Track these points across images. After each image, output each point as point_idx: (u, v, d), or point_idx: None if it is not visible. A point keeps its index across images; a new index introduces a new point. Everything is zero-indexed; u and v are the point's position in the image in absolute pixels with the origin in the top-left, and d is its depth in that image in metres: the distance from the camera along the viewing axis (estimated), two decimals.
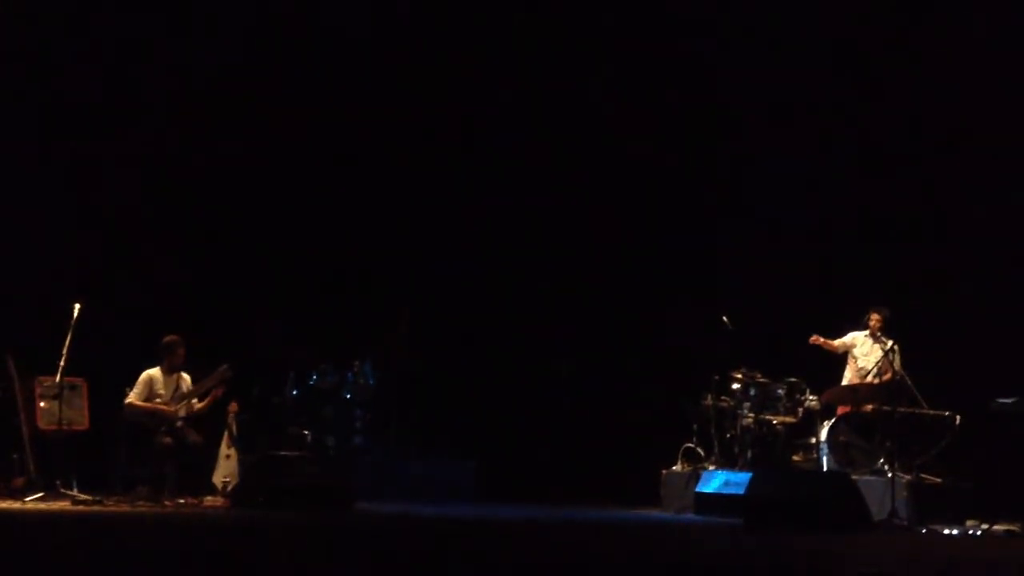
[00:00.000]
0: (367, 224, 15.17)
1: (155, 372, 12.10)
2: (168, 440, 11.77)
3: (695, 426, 13.17)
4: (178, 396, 12.06)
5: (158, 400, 12.03)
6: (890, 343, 12.35)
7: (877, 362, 12.41)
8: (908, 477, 11.69)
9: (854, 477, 11.33)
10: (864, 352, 12.68)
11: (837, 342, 12.86)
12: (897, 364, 12.24)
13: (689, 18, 14.93)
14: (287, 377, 13.71)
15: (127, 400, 11.98)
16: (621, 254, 15.37)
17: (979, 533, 10.84)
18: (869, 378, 12.48)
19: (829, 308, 13.29)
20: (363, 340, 14.37)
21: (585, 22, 15.21)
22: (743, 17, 14.72)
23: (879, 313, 12.60)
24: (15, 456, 11.77)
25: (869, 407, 12.33)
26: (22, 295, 13.11)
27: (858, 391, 12.47)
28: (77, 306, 11.91)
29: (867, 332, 12.70)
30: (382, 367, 14.19)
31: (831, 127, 14.39)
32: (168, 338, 12.17)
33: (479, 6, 15.22)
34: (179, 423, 11.93)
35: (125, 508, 11.36)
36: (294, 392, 13.73)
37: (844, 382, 12.78)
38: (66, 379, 12.01)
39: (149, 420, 11.90)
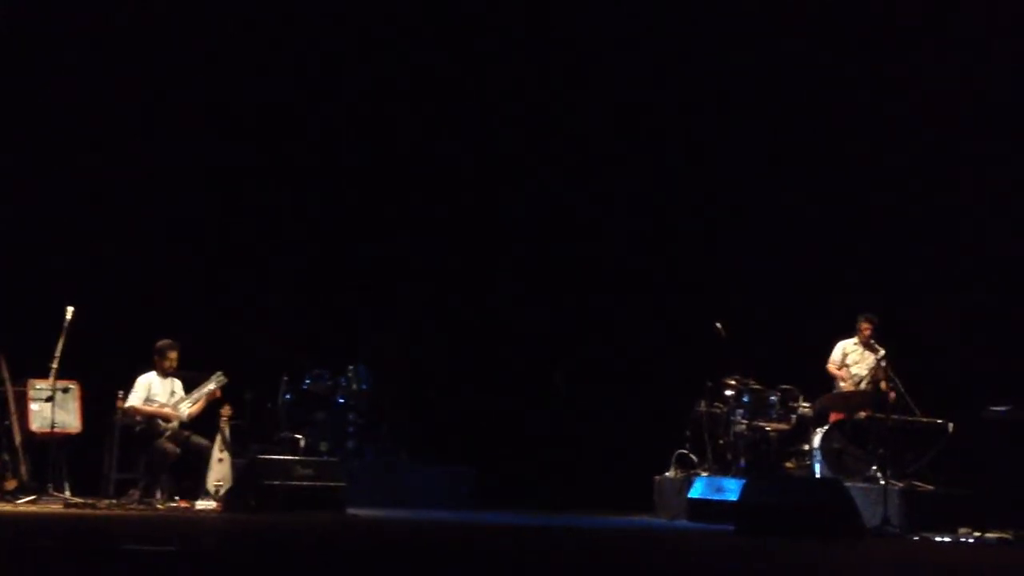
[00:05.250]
0: (363, 228, 15.17)
1: (151, 376, 12.09)
2: (171, 446, 11.76)
3: (688, 432, 13.17)
4: (175, 401, 12.05)
5: (156, 405, 12.02)
6: (881, 351, 12.36)
7: (871, 369, 12.43)
8: (901, 484, 11.70)
9: (847, 484, 11.32)
10: (856, 360, 12.70)
11: (837, 368, 12.78)
12: (888, 371, 12.26)
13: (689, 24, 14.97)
14: (280, 381, 13.69)
15: (128, 404, 11.95)
16: (616, 261, 15.38)
17: (971, 541, 10.84)
18: (863, 385, 12.49)
19: (822, 315, 13.31)
20: (357, 344, 14.36)
21: (588, 22, 15.25)
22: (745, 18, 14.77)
23: (869, 321, 12.62)
24: (7, 459, 11.72)
25: (862, 414, 12.33)
26: (15, 297, 13.09)
27: (851, 398, 12.48)
28: (70, 309, 11.89)
29: (856, 340, 12.72)
30: (377, 371, 14.18)
31: (830, 134, 14.42)
32: (161, 342, 12.15)
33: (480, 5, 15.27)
34: (185, 432, 11.92)
35: (117, 511, 11.34)
36: (287, 396, 13.71)
37: (837, 389, 12.77)
38: (59, 382, 11.98)
39: (152, 424, 11.88)
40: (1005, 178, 13.44)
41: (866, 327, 12.62)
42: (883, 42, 14.21)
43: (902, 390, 12.04)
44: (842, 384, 12.73)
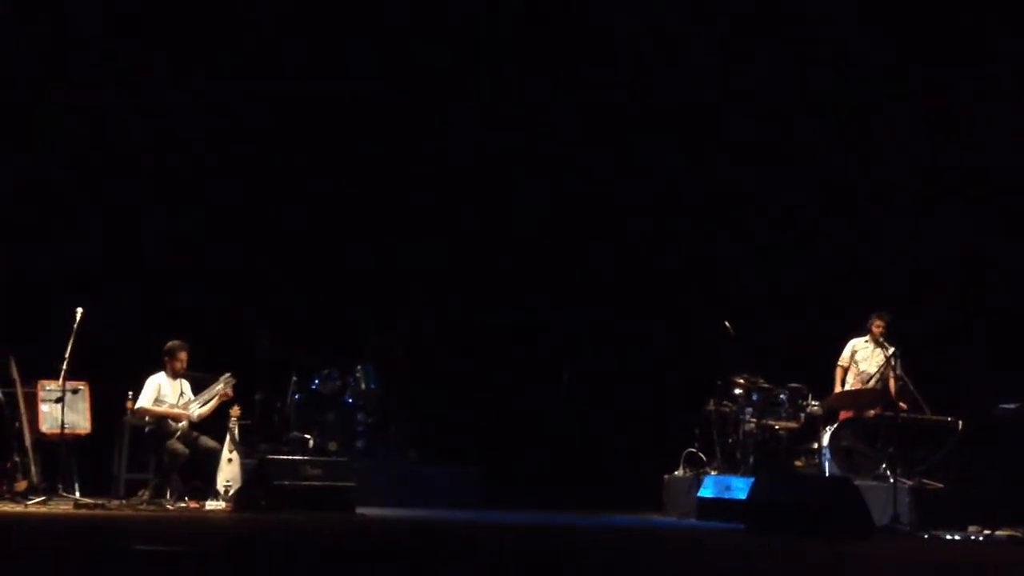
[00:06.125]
0: (369, 227, 15.18)
1: (160, 377, 12.10)
2: (181, 447, 11.78)
3: (697, 431, 13.17)
4: (184, 402, 12.07)
5: (165, 406, 12.04)
6: (892, 349, 12.33)
7: (880, 367, 12.41)
8: (910, 482, 11.68)
9: (856, 482, 11.31)
10: (865, 357, 12.68)
11: (845, 365, 12.78)
12: (897, 369, 12.24)
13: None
14: (289, 382, 13.71)
15: (138, 405, 11.97)
16: (624, 259, 15.38)
17: (981, 539, 10.83)
18: (871, 383, 12.47)
19: (831, 314, 13.30)
20: (365, 344, 14.37)
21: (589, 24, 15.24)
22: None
23: (881, 319, 12.59)
24: (17, 460, 11.75)
25: (871, 412, 12.32)
26: (25, 299, 13.12)
27: (860, 396, 12.46)
28: (80, 310, 11.92)
29: (867, 337, 12.69)
30: (384, 371, 14.19)
31: (829, 133, 14.42)
32: (171, 343, 12.17)
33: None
34: (194, 433, 11.95)
35: (127, 512, 11.37)
36: (296, 396, 13.73)
37: (846, 387, 12.75)
38: (68, 383, 12.01)
39: (162, 425, 11.91)
40: (1012, 175, 13.43)
41: (878, 325, 12.60)
42: (882, 41, 14.20)
43: (912, 388, 12.02)
44: (838, 385, 12.72)
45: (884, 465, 11.89)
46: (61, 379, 11.93)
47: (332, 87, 15.07)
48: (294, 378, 13.70)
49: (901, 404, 11.94)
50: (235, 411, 12.13)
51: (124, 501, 11.80)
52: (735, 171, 14.97)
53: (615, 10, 15.09)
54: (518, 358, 15.12)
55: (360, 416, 14.05)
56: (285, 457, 12.14)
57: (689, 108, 15.08)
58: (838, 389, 12.70)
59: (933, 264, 13.65)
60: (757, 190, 14.84)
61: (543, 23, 15.23)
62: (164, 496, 11.72)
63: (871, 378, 12.52)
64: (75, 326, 11.89)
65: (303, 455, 12.56)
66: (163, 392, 12.06)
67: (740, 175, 14.90)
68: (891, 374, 12.22)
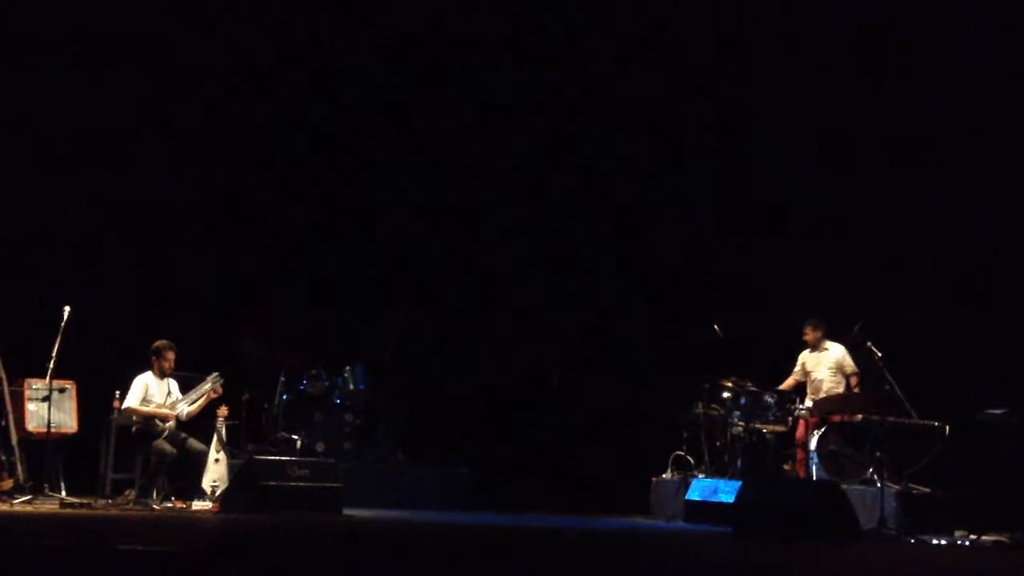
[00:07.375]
0: (360, 228, 15.17)
1: (147, 376, 12.09)
2: (169, 447, 11.76)
3: (685, 434, 13.18)
4: (171, 402, 12.05)
5: (153, 405, 12.02)
6: (880, 354, 12.32)
7: (858, 373, 12.50)
8: (897, 487, 11.70)
9: (843, 486, 11.33)
10: (813, 366, 12.82)
11: (798, 378, 12.89)
12: (850, 366, 12.38)
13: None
14: (277, 382, 13.69)
15: (125, 405, 11.95)
16: (613, 263, 15.39)
17: (967, 543, 10.85)
18: (824, 388, 12.56)
19: (818, 317, 13.31)
20: (354, 345, 14.36)
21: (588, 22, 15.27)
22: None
23: (808, 325, 12.73)
24: (3, 458, 11.72)
25: (859, 416, 12.34)
26: (12, 297, 13.08)
27: (849, 401, 12.49)
28: (67, 309, 11.89)
29: (809, 348, 12.83)
30: (373, 372, 14.18)
31: (823, 134, 14.45)
32: (158, 342, 12.15)
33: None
34: (182, 435, 11.93)
35: (114, 511, 11.34)
36: (284, 397, 13.72)
37: (806, 398, 12.79)
38: (55, 382, 11.98)
39: (149, 424, 11.89)
40: (1000, 181, 13.47)
41: (806, 332, 12.75)
42: (880, 42, 14.22)
43: (899, 393, 12.04)
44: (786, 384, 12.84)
45: (871, 469, 11.91)
46: (48, 378, 11.90)
47: (332, 87, 15.06)
48: (282, 378, 13.69)
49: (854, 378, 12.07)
50: (222, 411, 12.11)
51: (110, 501, 11.77)
52: (729, 173, 14.99)
53: (616, 9, 15.10)
54: (507, 359, 15.11)
55: (348, 417, 14.04)
56: (272, 458, 12.12)
57: (689, 108, 15.09)
58: (813, 397, 12.78)
59: (921, 268, 13.67)
60: (751, 193, 14.86)
61: (543, 23, 15.24)
62: (150, 496, 11.71)
63: (822, 383, 12.59)
64: (62, 325, 11.87)
65: (290, 456, 12.55)
66: (150, 392, 12.05)
67: (736, 176, 14.92)
68: (856, 381, 12.32)
